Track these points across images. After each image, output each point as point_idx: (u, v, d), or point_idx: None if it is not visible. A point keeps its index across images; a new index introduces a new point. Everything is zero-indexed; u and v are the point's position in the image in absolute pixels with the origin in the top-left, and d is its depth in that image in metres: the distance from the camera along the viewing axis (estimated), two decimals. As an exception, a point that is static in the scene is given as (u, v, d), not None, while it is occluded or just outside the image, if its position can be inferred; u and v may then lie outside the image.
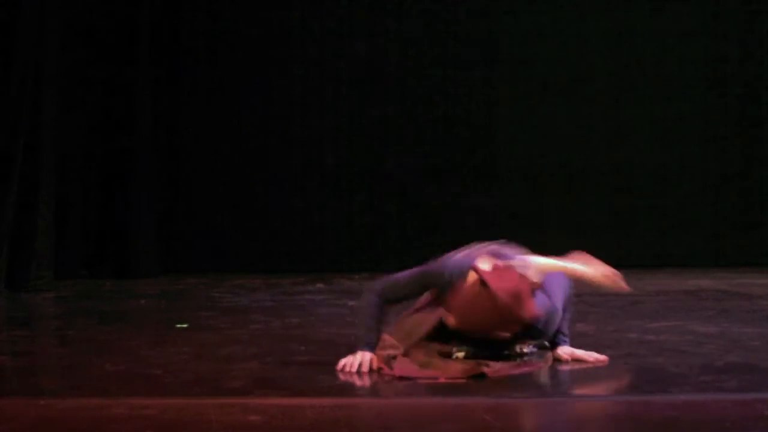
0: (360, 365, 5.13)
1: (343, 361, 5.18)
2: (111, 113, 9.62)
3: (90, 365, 5.41)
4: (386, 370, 5.10)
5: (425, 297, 5.40)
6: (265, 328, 6.45)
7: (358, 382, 5.01)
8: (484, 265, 5.18)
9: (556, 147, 10.34)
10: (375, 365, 5.14)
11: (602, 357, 5.37)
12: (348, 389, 5.00)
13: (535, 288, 5.21)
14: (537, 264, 5.53)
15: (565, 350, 5.40)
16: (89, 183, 9.60)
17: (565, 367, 5.22)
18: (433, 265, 5.36)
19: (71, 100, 9.36)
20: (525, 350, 5.38)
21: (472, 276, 5.13)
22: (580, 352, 5.40)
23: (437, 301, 5.30)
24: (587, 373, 5.15)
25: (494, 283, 5.03)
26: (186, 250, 10.02)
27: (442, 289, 5.21)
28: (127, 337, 6.31)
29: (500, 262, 5.22)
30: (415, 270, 5.37)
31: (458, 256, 5.39)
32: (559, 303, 5.48)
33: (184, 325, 6.63)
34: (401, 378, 5.00)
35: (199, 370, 5.23)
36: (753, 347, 5.77)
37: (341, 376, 5.06)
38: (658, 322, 6.68)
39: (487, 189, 10.31)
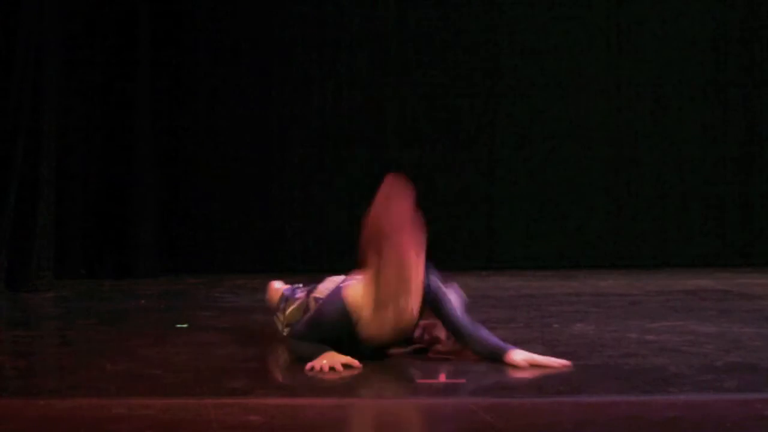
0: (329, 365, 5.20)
1: (310, 364, 5.20)
2: (111, 113, 9.61)
3: (90, 365, 5.41)
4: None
5: None
6: (265, 328, 6.44)
7: (358, 381, 5.02)
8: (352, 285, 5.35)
9: (556, 147, 10.34)
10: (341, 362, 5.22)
11: (566, 362, 5.22)
12: (348, 389, 5.00)
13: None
14: None
15: (521, 356, 5.24)
16: (89, 183, 9.60)
17: (561, 368, 5.20)
18: (315, 310, 5.49)
19: (71, 100, 9.36)
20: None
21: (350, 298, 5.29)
22: (540, 358, 5.24)
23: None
24: (587, 373, 5.15)
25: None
26: (186, 250, 10.02)
27: (338, 325, 5.30)
28: (127, 337, 6.31)
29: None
30: (306, 319, 5.52)
31: (325, 297, 5.55)
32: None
33: (184, 326, 6.63)
34: None
35: (199, 370, 5.23)
36: (753, 347, 5.77)
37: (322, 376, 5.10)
38: (658, 322, 6.68)
39: (487, 188, 10.32)
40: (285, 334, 5.84)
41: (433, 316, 5.47)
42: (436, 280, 5.39)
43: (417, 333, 5.57)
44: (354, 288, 5.30)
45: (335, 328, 5.27)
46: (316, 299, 5.67)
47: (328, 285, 5.75)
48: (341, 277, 5.74)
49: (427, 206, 10.39)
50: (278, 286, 6.35)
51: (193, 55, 10.09)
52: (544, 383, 4.99)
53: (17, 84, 8.59)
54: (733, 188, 10.41)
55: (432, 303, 5.36)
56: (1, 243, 8.46)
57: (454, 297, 5.63)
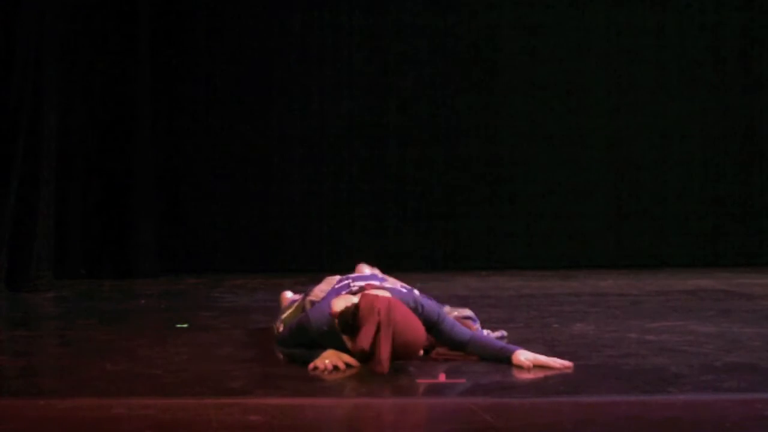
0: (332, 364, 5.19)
1: (313, 364, 5.20)
2: (111, 113, 9.61)
3: (90, 365, 5.41)
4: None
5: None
6: (265, 328, 6.44)
7: (357, 381, 5.02)
8: (338, 304, 5.26)
9: (556, 147, 10.34)
10: (342, 360, 5.21)
11: (568, 363, 5.22)
12: (348, 389, 5.00)
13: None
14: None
15: (525, 356, 5.24)
16: (89, 183, 9.60)
17: (563, 369, 5.20)
18: (302, 317, 5.43)
19: (71, 100, 9.36)
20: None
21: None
22: (543, 358, 5.23)
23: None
24: (587, 373, 5.15)
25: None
26: (186, 250, 10.02)
27: (324, 335, 5.27)
28: (127, 337, 6.31)
29: (349, 302, 5.28)
30: (291, 325, 5.49)
31: (318, 303, 5.50)
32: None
33: (184, 325, 6.63)
34: None
35: (199, 370, 5.23)
36: (753, 347, 5.77)
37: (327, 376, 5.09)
38: (658, 322, 6.68)
39: (488, 188, 10.32)
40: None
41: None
42: (430, 312, 5.36)
43: None
44: (342, 305, 5.29)
45: (319, 336, 5.27)
46: (312, 302, 5.66)
47: (324, 287, 5.74)
48: (337, 277, 5.74)
49: (426, 206, 10.51)
50: (289, 296, 6.37)
51: (193, 55, 10.10)
52: (544, 383, 4.99)
53: (17, 84, 8.59)
54: (733, 188, 10.42)
55: (431, 331, 5.35)
56: (1, 243, 8.46)
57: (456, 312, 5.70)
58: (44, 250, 8.65)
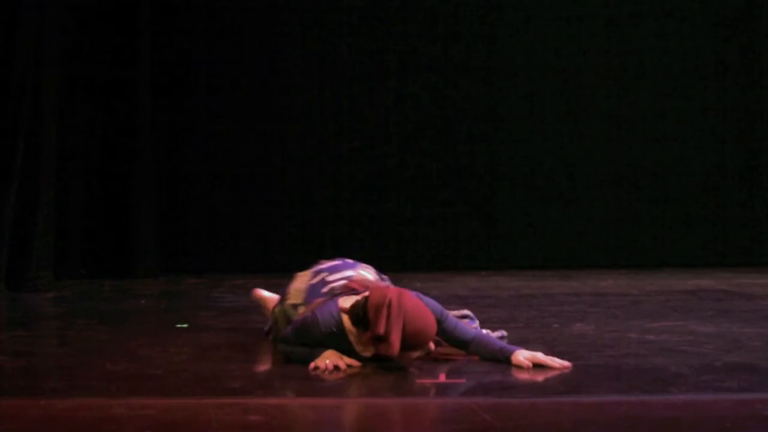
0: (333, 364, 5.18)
1: (313, 364, 5.20)
2: (111, 113, 9.61)
3: (90, 365, 5.41)
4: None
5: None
6: (264, 328, 6.45)
7: (357, 381, 5.02)
8: (346, 303, 5.26)
9: (555, 147, 10.34)
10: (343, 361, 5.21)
11: (566, 363, 5.22)
12: (348, 389, 5.00)
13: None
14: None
15: (524, 355, 5.24)
16: (89, 183, 9.61)
17: (561, 369, 5.20)
18: (307, 317, 5.39)
19: (71, 100, 9.36)
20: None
21: (346, 319, 5.23)
22: (542, 357, 5.22)
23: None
24: (587, 373, 5.15)
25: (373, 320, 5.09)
26: (186, 250, 10.02)
27: (331, 335, 5.26)
28: (127, 337, 6.31)
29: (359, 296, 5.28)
30: (295, 324, 5.44)
31: (323, 301, 5.45)
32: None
33: (184, 325, 6.63)
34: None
35: (199, 370, 5.23)
36: (753, 347, 5.77)
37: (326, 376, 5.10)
38: (658, 322, 6.67)
39: (487, 190, 10.32)
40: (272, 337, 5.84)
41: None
42: (434, 309, 5.33)
43: None
44: (350, 302, 5.29)
45: (326, 337, 5.27)
46: (293, 305, 5.65)
47: (298, 285, 5.74)
48: (309, 273, 5.75)
49: (427, 206, 10.51)
50: (266, 294, 6.37)
51: (193, 54, 10.09)
52: (544, 383, 4.99)
53: (17, 84, 8.59)
54: (734, 188, 10.41)
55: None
56: (1, 243, 8.46)
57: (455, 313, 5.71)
58: (44, 250, 8.65)
